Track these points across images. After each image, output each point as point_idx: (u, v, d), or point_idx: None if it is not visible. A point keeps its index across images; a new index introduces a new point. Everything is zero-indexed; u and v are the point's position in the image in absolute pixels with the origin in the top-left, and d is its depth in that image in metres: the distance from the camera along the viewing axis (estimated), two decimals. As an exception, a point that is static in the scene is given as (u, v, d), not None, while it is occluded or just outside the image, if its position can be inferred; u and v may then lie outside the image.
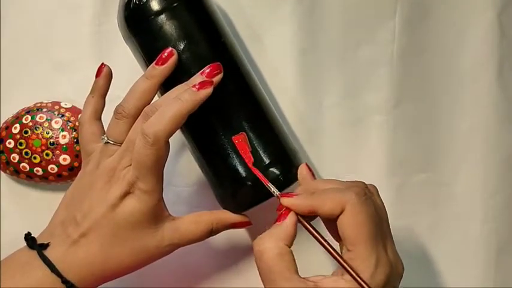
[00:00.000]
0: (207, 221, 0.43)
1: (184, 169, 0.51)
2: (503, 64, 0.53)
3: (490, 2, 0.52)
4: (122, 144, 0.41)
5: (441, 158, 0.53)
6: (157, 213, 0.41)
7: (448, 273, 0.53)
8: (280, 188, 0.42)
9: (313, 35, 0.52)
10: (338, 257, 0.36)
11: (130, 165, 0.40)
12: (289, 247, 0.37)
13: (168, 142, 0.40)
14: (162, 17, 0.42)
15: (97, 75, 0.45)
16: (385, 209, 0.39)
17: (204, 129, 0.43)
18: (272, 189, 0.40)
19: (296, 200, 0.38)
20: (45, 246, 0.41)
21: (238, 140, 0.42)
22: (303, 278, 0.36)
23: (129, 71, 0.46)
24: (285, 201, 0.38)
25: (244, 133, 0.42)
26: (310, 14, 0.52)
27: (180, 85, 0.41)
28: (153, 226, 0.41)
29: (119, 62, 0.49)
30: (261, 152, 0.42)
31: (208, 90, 0.40)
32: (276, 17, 0.52)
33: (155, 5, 0.42)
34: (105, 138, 0.42)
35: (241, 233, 0.51)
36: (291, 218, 0.38)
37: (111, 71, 0.45)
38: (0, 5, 0.52)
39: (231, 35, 0.46)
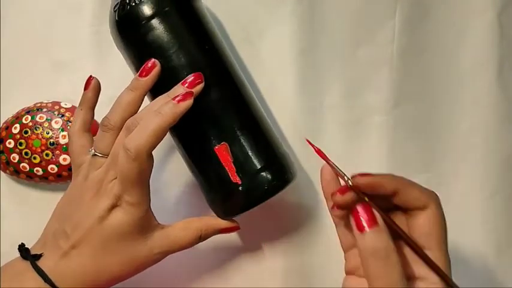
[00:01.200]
0: (196, 227, 0.43)
1: (184, 169, 0.51)
2: (503, 64, 0.53)
3: (490, 2, 0.52)
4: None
5: (441, 158, 0.53)
6: (146, 224, 0.41)
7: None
8: (273, 193, 0.42)
9: (313, 35, 0.52)
10: (422, 254, 0.35)
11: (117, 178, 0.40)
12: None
13: (151, 155, 0.40)
14: (149, 24, 0.42)
15: (85, 88, 0.45)
16: None
17: (191, 138, 0.43)
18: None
19: (379, 177, 0.34)
20: (38, 256, 0.41)
21: (220, 150, 0.42)
22: None
23: (129, 70, 0.46)
24: (363, 179, 0.34)
25: (225, 143, 0.42)
26: (309, 14, 0.52)
27: (161, 96, 0.41)
28: (142, 236, 0.41)
29: (118, 62, 0.49)
30: (251, 157, 0.42)
31: (188, 102, 0.40)
32: (275, 17, 0.52)
33: (142, 13, 0.42)
34: (93, 150, 0.42)
35: (242, 232, 0.51)
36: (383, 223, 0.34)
37: (99, 84, 0.45)
38: (0, 5, 0.52)
39: (222, 39, 0.45)
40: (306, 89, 0.52)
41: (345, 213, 0.35)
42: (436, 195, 0.36)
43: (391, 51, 0.52)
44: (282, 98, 0.52)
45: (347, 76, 0.52)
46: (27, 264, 0.41)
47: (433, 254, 0.35)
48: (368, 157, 0.52)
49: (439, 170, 0.53)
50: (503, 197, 0.53)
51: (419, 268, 0.35)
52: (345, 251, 0.38)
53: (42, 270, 0.40)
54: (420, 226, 0.35)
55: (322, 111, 0.52)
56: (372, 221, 0.33)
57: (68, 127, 0.49)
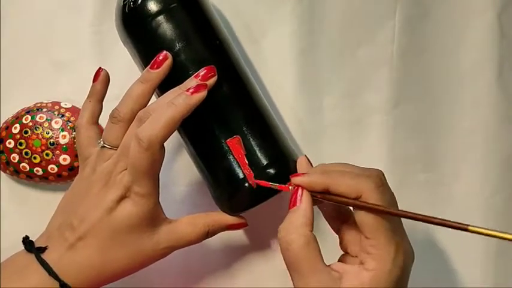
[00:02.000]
0: (203, 223, 0.43)
1: (187, 168, 0.51)
2: (503, 64, 0.53)
3: (490, 2, 0.52)
4: (117, 148, 0.42)
5: (441, 158, 0.53)
6: (154, 217, 0.41)
7: (447, 273, 0.53)
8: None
9: (312, 35, 0.52)
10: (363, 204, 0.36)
11: (126, 169, 0.40)
12: (312, 231, 0.37)
13: (163, 146, 0.40)
14: (159, 18, 0.42)
15: (94, 80, 0.45)
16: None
17: (200, 132, 0.43)
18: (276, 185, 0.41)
19: (309, 177, 0.38)
20: (42, 249, 0.41)
21: (233, 143, 0.42)
22: (328, 266, 0.37)
23: (129, 70, 0.46)
24: (298, 180, 0.38)
25: (238, 136, 0.42)
26: (309, 14, 0.52)
27: (174, 89, 0.41)
28: (150, 229, 0.41)
29: (119, 61, 0.49)
30: (258, 153, 0.42)
31: (202, 94, 0.40)
32: (275, 17, 0.52)
33: (153, 7, 0.42)
34: (101, 142, 0.42)
35: (249, 231, 0.51)
36: (306, 199, 0.38)
37: (108, 75, 0.45)
38: (0, 5, 0.52)
39: (228, 36, 0.45)
40: (306, 89, 0.52)
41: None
42: (370, 180, 0.36)
43: (391, 51, 0.52)
44: (282, 97, 0.52)
45: (347, 76, 0.52)
46: (30, 257, 0.40)
47: (378, 238, 0.36)
48: (368, 157, 0.52)
49: (439, 170, 0.53)
50: (503, 197, 0.53)
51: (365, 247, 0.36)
52: (337, 233, 0.41)
53: (47, 263, 0.40)
54: (360, 215, 0.36)
55: (322, 111, 0.52)
56: (292, 201, 0.38)
57: (68, 127, 0.49)
